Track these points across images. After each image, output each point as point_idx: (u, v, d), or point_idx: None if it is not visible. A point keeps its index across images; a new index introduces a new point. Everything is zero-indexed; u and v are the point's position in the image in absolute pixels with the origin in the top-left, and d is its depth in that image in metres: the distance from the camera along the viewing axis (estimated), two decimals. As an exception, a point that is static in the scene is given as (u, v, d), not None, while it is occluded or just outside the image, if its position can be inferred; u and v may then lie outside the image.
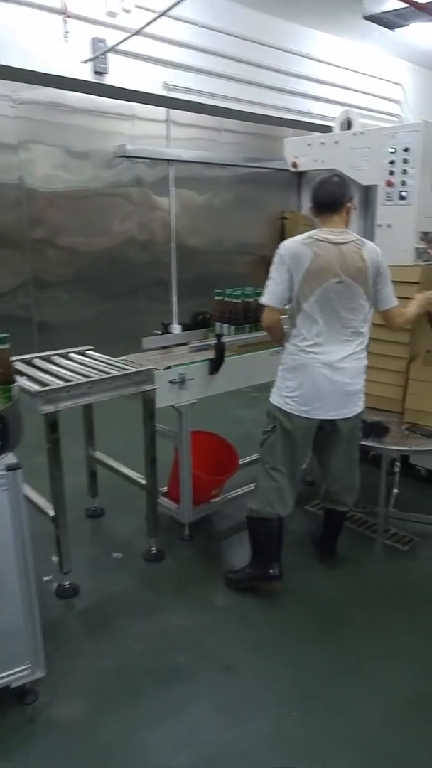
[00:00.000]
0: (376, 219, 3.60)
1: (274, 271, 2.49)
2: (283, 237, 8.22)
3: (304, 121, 5.80)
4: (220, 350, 3.03)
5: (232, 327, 3.43)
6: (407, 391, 3.20)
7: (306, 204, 4.71)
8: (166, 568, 2.98)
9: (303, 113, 5.54)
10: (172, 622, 2.56)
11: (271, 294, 2.51)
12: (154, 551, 3.03)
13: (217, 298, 3.55)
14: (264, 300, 2.54)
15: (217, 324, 3.50)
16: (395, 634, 2.49)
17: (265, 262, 6.76)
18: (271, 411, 2.61)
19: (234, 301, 3.46)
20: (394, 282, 2.66)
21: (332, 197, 2.48)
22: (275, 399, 2.60)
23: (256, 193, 7.73)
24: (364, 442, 2.93)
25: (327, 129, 4.32)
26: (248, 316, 3.44)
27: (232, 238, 7.62)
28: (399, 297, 2.71)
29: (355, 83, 5.97)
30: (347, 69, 5.87)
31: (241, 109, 5.28)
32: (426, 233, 3.83)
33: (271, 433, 2.60)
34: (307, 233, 2.47)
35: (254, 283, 7.11)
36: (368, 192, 3.73)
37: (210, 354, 3.08)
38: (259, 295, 2.84)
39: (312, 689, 2.20)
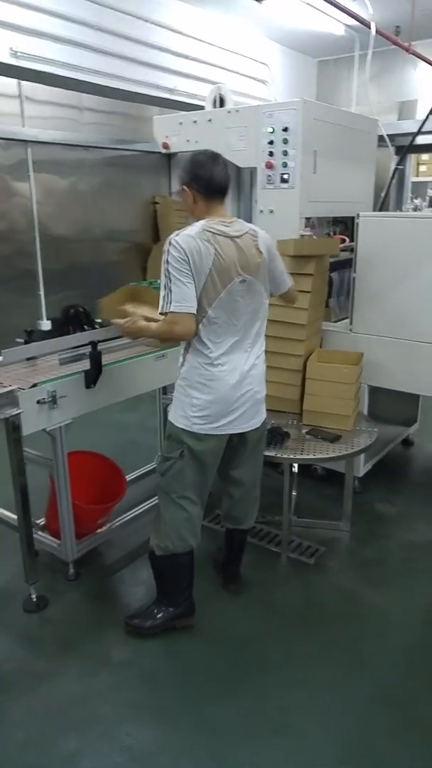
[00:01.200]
0: (257, 204, 3.35)
1: (175, 272, 2.01)
2: (155, 223, 7.83)
3: (172, 99, 5.42)
4: (96, 360, 2.59)
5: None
6: (305, 392, 2.99)
7: (177, 187, 4.40)
8: (49, 618, 2.53)
9: (170, 90, 5.15)
10: (61, 692, 2.14)
11: (183, 298, 2.02)
12: (34, 599, 2.57)
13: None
14: (176, 307, 2.02)
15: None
16: (315, 670, 2.24)
17: (139, 250, 6.26)
18: (175, 435, 2.23)
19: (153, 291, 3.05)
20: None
21: (226, 180, 2.11)
22: (179, 420, 2.22)
23: (125, 177, 7.20)
24: (265, 452, 2.67)
25: (197, 109, 3.99)
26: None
27: (101, 225, 7.04)
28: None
29: (222, 60, 5.68)
30: (215, 45, 5.56)
31: (102, 83, 4.79)
32: (308, 219, 3.66)
33: (177, 459, 2.23)
34: (199, 225, 2.06)
35: (128, 271, 6.63)
36: (240, 174, 3.47)
37: (85, 364, 2.63)
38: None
39: (231, 761, 1.89)
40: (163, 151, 3.74)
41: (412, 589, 2.71)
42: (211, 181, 2.09)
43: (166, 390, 3.46)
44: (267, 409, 3.13)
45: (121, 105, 6.18)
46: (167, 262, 2.02)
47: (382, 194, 3.91)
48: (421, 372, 3.08)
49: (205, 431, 2.19)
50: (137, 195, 7.50)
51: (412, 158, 6.45)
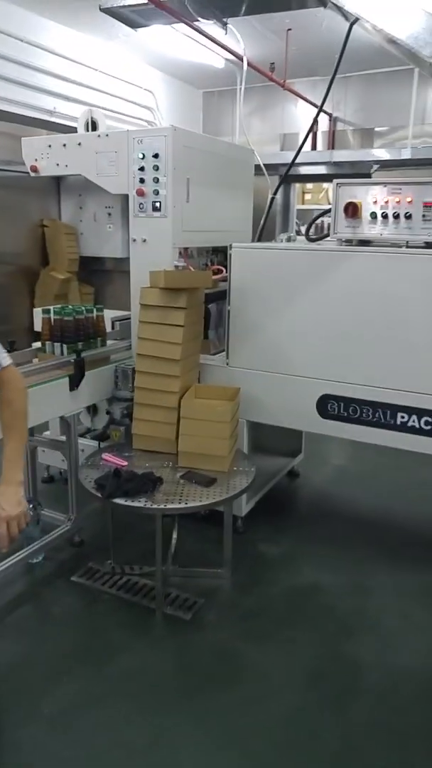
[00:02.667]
0: (130, 232, 3.16)
1: None
2: (44, 246, 7.47)
3: (53, 121, 5.18)
4: None
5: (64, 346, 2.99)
6: (179, 431, 2.79)
7: (67, 211, 4.13)
8: None
9: (50, 112, 4.90)
10: None
11: None
12: None
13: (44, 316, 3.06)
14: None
15: (48, 344, 3.05)
16: (184, 752, 2.00)
17: (26, 272, 5.89)
18: None
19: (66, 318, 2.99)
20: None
21: None
22: None
23: (10, 199, 6.81)
24: (132, 503, 2.44)
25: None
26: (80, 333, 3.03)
27: (-16, 249, 6.62)
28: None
29: (106, 86, 5.54)
30: (97, 70, 5.42)
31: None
32: (186, 249, 3.52)
33: None
34: None
35: (14, 294, 6.22)
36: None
37: None
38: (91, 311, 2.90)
39: None
40: (32, 174, 3.46)
41: (294, 642, 2.54)
42: None
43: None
44: (144, 450, 2.94)
45: (2, 125, 5.85)
46: None
47: (261, 222, 3.86)
48: (294, 406, 2.99)
49: None
50: (24, 217, 7.13)
51: (296, 187, 6.62)
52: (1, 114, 4.61)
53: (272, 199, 3.86)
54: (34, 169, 3.35)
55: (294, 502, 3.81)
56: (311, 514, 3.65)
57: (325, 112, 6.59)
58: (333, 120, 6.87)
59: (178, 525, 3.16)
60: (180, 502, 2.48)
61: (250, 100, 6.88)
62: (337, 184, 2.75)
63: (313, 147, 6.58)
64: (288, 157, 4.12)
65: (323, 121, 6.77)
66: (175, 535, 3.20)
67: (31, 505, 2.99)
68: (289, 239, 3.16)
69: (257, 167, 3.86)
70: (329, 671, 2.38)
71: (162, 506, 2.46)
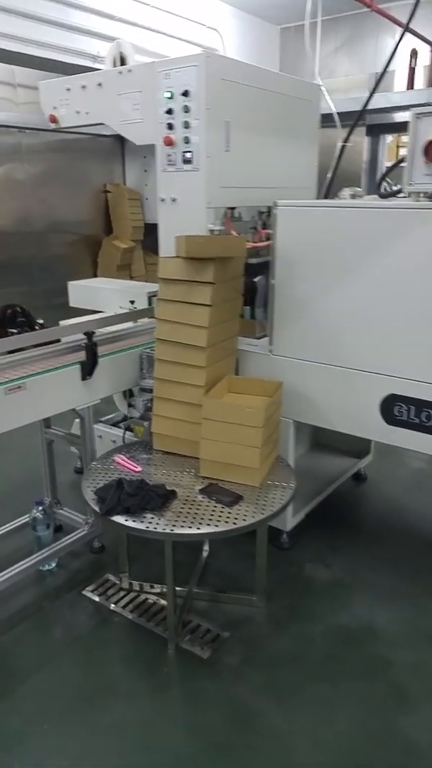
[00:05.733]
0: (158, 190, 2.64)
1: None
2: (107, 213, 7.12)
3: (97, 68, 4.68)
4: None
5: None
6: (201, 435, 2.30)
7: (132, 175, 3.68)
8: None
9: (94, 58, 4.40)
10: None
11: None
12: None
13: None
14: None
15: None
16: None
17: (88, 243, 5.54)
18: None
19: None
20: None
21: None
22: None
23: (71, 163, 6.50)
24: (133, 524, 2.01)
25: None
26: None
27: (43, 216, 6.35)
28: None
29: (161, 24, 4.92)
30: (149, 5, 4.78)
31: (16, 50, 4.06)
32: (232, 209, 2.96)
33: None
34: None
35: (77, 265, 5.92)
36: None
37: None
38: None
39: None
40: (52, 125, 3.01)
41: (330, 705, 2.03)
42: None
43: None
44: (163, 452, 2.50)
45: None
46: None
47: (329, 178, 3.19)
48: (352, 407, 2.40)
49: None
50: (86, 183, 6.79)
51: (386, 139, 5.75)
52: (39, 61, 4.18)
53: (343, 147, 3.17)
54: (53, 119, 2.90)
55: (356, 514, 3.22)
56: (376, 530, 3.05)
57: (426, 41, 5.55)
58: (435, 52, 5.79)
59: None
60: (191, 527, 2.01)
61: (337, 32, 5.97)
62: (417, 115, 2.06)
63: (410, 86, 5.62)
64: (376, 101, 3.39)
65: (424, 54, 5.72)
66: (206, 550, 2.76)
67: (40, 507, 2.67)
68: (354, 196, 2.51)
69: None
70: (373, 752, 1.85)
71: (168, 530, 2.00)
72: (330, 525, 3.01)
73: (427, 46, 5.50)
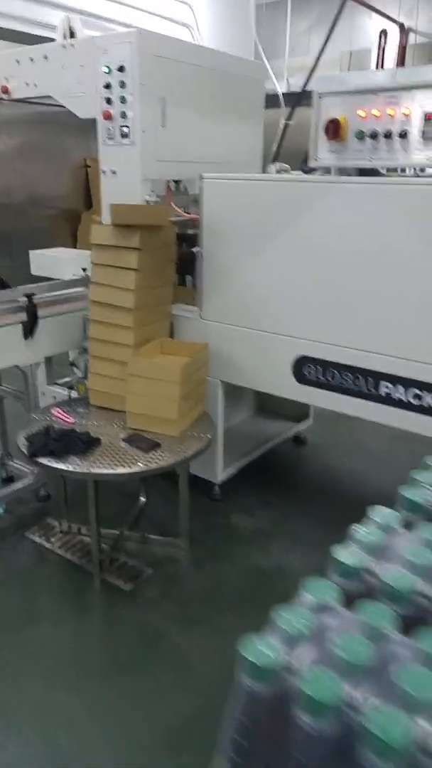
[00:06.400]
0: (100, 163, 2.81)
1: None
2: (87, 187, 7.21)
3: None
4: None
5: None
6: (126, 390, 2.50)
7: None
8: None
9: (53, 28, 4.47)
10: None
11: None
12: None
13: None
14: None
15: None
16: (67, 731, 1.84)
17: (68, 216, 5.63)
18: None
19: None
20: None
21: None
22: None
23: (50, 137, 6.60)
24: (56, 465, 2.22)
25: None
26: None
27: (23, 190, 6.49)
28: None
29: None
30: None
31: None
32: (177, 182, 3.13)
33: None
34: None
35: (56, 238, 6.04)
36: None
37: None
38: None
39: None
40: (4, 96, 3.16)
41: (228, 633, 2.25)
42: None
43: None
44: (98, 407, 2.70)
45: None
46: None
47: (275, 151, 3.34)
48: (269, 368, 2.60)
49: None
50: (65, 157, 6.93)
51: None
52: (2, 33, 4.29)
53: (286, 125, 3.31)
54: (5, 90, 3.04)
55: (293, 474, 3.44)
56: (307, 489, 3.27)
57: (394, 21, 5.61)
58: (405, 31, 5.83)
59: (152, 489, 2.93)
60: (108, 467, 2.23)
61: (310, 10, 6.04)
62: (319, 94, 2.22)
63: (380, 65, 5.70)
64: (349, 81, 3.50)
65: (394, 34, 5.79)
66: (143, 499, 2.98)
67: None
68: (279, 171, 2.68)
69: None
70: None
71: (86, 470, 2.21)
72: (264, 483, 3.22)
73: (396, 27, 5.59)
